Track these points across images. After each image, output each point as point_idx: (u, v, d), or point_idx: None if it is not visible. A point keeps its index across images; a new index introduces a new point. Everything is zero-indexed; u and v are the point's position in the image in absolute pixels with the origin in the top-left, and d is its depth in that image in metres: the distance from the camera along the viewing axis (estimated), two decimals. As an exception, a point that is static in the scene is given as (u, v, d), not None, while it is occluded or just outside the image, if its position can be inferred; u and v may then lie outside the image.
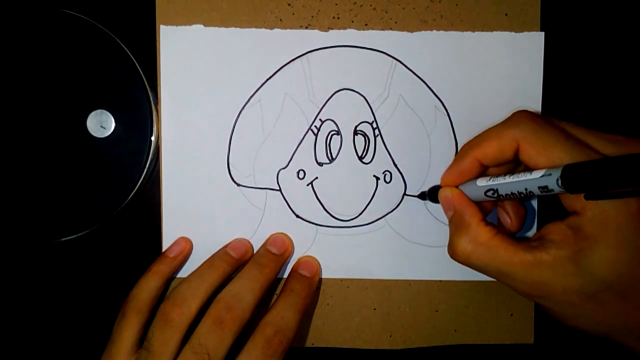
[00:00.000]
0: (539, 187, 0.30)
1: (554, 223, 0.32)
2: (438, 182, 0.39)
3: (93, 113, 0.38)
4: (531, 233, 0.40)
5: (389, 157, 0.39)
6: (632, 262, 0.29)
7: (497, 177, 0.33)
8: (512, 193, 0.32)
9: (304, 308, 0.36)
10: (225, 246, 0.38)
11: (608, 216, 0.29)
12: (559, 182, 0.29)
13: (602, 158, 0.29)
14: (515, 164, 0.35)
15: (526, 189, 0.31)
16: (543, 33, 0.38)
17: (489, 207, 0.36)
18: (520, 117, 0.32)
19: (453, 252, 0.33)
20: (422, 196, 0.39)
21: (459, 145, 0.39)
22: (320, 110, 0.39)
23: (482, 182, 0.33)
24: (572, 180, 0.28)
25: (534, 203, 0.40)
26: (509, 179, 0.32)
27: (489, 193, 0.33)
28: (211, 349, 0.33)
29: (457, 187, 0.35)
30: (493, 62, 0.39)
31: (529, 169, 0.32)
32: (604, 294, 0.30)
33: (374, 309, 0.40)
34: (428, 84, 0.39)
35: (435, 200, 0.37)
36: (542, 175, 0.30)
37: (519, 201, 0.36)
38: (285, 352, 0.34)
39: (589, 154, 0.30)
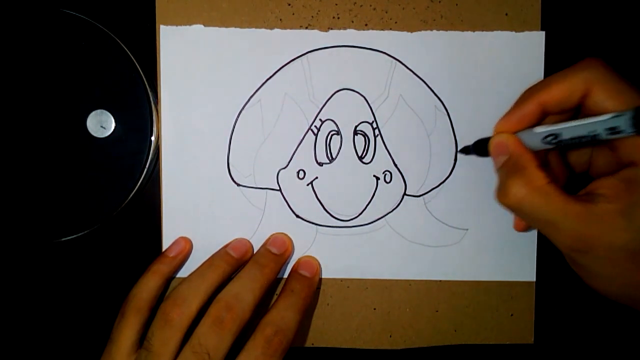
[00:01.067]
0: (606, 129, 0.29)
1: (604, 178, 0.31)
2: (438, 183, 0.39)
3: (93, 113, 0.38)
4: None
5: (389, 157, 0.39)
6: None
7: (557, 124, 0.31)
8: (575, 137, 0.31)
9: (304, 308, 0.36)
10: (226, 246, 0.38)
11: None
12: (631, 122, 0.28)
13: None
14: (571, 115, 0.33)
15: (592, 133, 0.30)
16: (544, 32, 0.39)
17: (541, 158, 0.35)
18: (591, 61, 0.31)
19: (505, 196, 0.32)
20: (466, 150, 0.38)
21: (459, 145, 0.39)
22: (320, 110, 0.39)
23: (541, 129, 0.32)
24: None
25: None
26: (574, 122, 0.30)
27: (549, 139, 0.32)
28: (211, 348, 0.33)
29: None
30: (493, 62, 0.39)
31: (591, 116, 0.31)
32: None
33: (374, 309, 0.40)
34: (428, 84, 0.39)
35: (482, 153, 0.36)
36: (613, 117, 0.29)
37: (572, 153, 0.36)
38: (285, 352, 0.34)
39: None
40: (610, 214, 0.29)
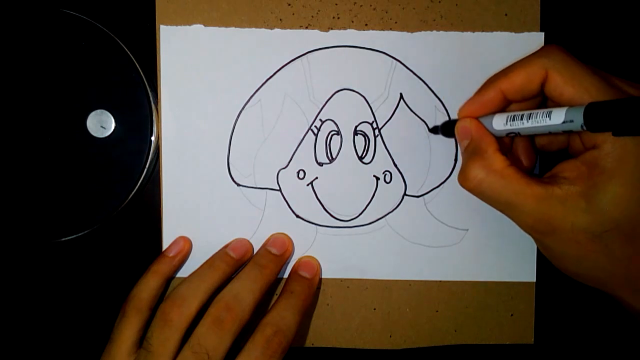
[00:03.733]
0: (562, 130, 0.30)
1: (568, 161, 0.31)
2: (438, 183, 0.39)
3: (93, 113, 0.38)
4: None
5: (389, 157, 0.39)
6: None
7: (515, 116, 0.32)
8: (533, 134, 0.32)
9: (304, 309, 0.36)
10: (226, 246, 0.38)
11: (627, 151, 0.28)
12: (583, 127, 0.28)
13: (626, 98, 0.28)
14: (537, 102, 0.34)
15: (548, 130, 0.31)
16: (543, 33, 0.38)
17: (507, 143, 0.36)
18: (551, 48, 0.32)
19: (465, 179, 0.33)
20: (435, 130, 0.39)
21: (459, 145, 0.39)
22: (320, 111, 0.39)
23: (500, 125, 0.33)
24: (596, 122, 0.28)
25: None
26: (527, 123, 0.31)
27: (510, 135, 0.33)
28: (210, 349, 0.33)
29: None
30: (493, 62, 0.38)
31: (550, 105, 0.31)
32: (610, 235, 0.29)
33: (374, 309, 0.40)
34: (428, 84, 0.39)
35: (448, 134, 0.36)
36: (564, 122, 0.29)
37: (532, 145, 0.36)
38: (284, 353, 0.34)
39: (615, 91, 0.29)
40: (572, 196, 0.30)
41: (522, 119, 0.32)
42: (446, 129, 0.37)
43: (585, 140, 0.31)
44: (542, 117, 0.31)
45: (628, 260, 0.30)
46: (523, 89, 0.32)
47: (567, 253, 0.31)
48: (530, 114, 0.31)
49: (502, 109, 0.34)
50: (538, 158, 0.37)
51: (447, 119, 0.39)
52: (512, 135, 0.33)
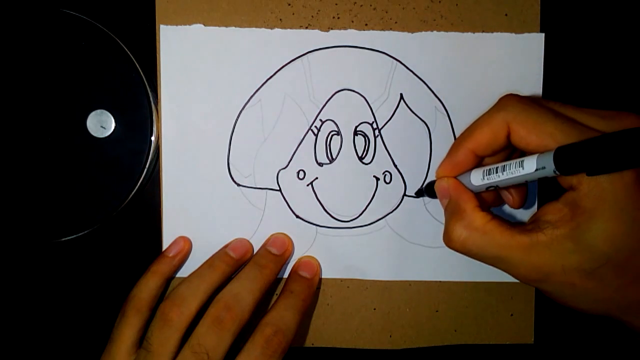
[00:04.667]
0: (537, 177, 0.30)
1: (549, 204, 0.31)
2: (438, 183, 0.39)
3: (93, 113, 0.38)
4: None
5: (389, 157, 0.39)
6: (629, 234, 0.29)
7: (490, 169, 0.33)
8: (510, 185, 0.32)
9: (304, 309, 0.36)
10: (225, 246, 0.38)
11: (604, 189, 0.28)
12: (556, 172, 0.29)
13: (592, 138, 0.28)
14: (510, 151, 0.34)
15: (524, 179, 0.31)
16: (543, 34, 0.38)
17: (488, 199, 0.36)
18: (507, 100, 0.32)
19: (449, 240, 0.33)
20: (420, 193, 0.39)
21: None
22: (320, 111, 0.39)
23: (478, 181, 0.33)
24: (566, 165, 0.28)
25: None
26: (503, 175, 0.32)
27: (490, 188, 0.33)
28: (210, 348, 0.33)
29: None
30: (493, 63, 0.39)
31: (522, 154, 0.31)
32: (603, 269, 0.29)
33: (374, 309, 0.40)
34: (428, 84, 0.39)
35: (432, 195, 0.36)
36: (537, 169, 0.30)
37: None
38: (284, 353, 0.34)
39: (579, 129, 0.29)
40: (558, 239, 0.30)
41: (497, 171, 0.32)
42: (430, 190, 0.37)
43: (562, 182, 0.31)
44: (515, 167, 0.31)
45: (624, 289, 0.30)
46: (490, 145, 0.33)
47: (565, 294, 0.31)
48: (504, 165, 0.32)
49: (477, 165, 0.34)
50: (528, 189, 0.37)
51: (447, 119, 0.39)
52: (492, 189, 0.33)
